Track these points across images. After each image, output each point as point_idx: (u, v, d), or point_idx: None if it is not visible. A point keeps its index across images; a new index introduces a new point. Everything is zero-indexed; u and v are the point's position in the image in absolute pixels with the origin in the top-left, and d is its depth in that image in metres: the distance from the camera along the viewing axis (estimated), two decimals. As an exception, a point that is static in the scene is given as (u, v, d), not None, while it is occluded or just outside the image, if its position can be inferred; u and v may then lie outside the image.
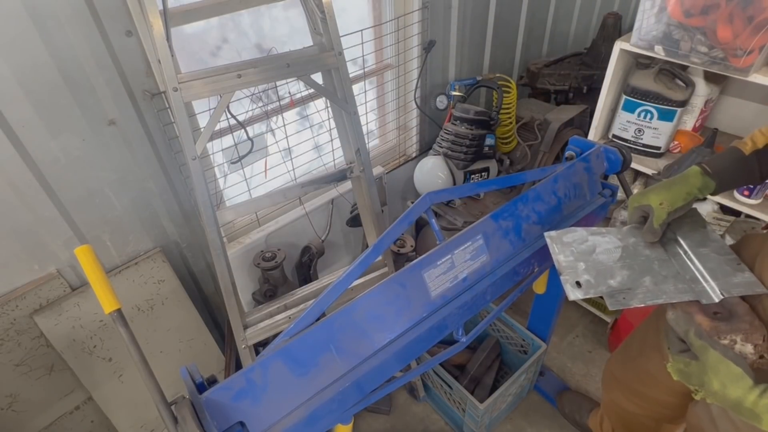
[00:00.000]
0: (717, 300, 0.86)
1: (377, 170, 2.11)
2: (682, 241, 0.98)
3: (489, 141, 2.03)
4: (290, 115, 1.72)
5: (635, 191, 2.00)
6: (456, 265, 0.99)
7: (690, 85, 1.67)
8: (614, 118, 1.86)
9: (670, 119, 1.71)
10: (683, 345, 0.83)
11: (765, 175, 1.00)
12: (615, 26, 2.37)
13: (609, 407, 1.55)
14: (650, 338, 1.26)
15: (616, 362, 1.45)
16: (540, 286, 1.54)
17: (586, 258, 0.95)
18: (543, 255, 1.16)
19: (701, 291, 0.89)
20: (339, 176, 1.44)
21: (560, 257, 0.96)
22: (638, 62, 1.73)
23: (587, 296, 0.90)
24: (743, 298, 0.87)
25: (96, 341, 1.49)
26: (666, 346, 0.87)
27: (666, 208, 0.95)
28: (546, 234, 1.00)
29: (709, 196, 1.60)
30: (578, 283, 0.91)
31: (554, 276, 1.54)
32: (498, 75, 2.19)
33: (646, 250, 0.97)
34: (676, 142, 1.82)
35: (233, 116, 1.46)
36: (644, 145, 1.81)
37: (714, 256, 0.94)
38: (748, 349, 0.77)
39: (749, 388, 0.71)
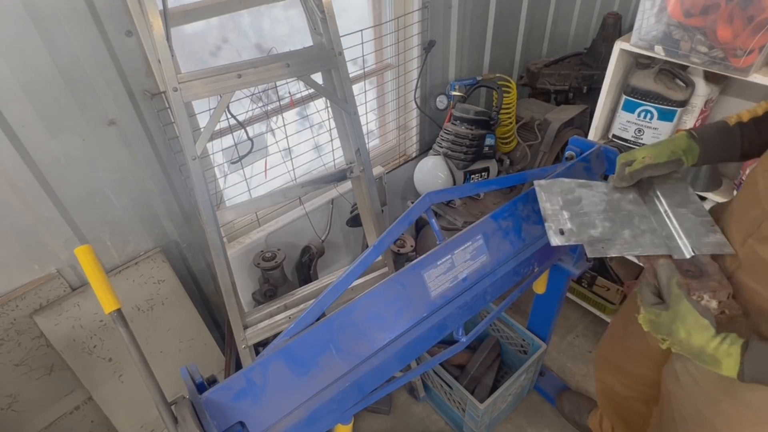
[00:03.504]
0: (688, 256, 0.92)
1: (377, 170, 2.11)
2: (663, 200, 1.02)
3: (489, 141, 2.03)
4: (290, 115, 1.72)
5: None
6: (456, 265, 0.99)
7: (690, 85, 1.67)
8: (614, 118, 1.86)
9: (670, 119, 1.71)
10: (655, 299, 0.88)
11: (745, 152, 1.03)
12: (615, 26, 2.37)
13: (601, 393, 1.58)
14: (633, 315, 1.29)
15: (604, 344, 1.50)
16: (540, 286, 1.54)
17: (571, 208, 1.00)
18: (543, 255, 1.17)
19: (675, 247, 0.94)
20: (339, 176, 1.44)
21: (547, 205, 1.00)
22: (638, 62, 1.73)
23: (568, 243, 0.95)
24: (713, 257, 0.93)
25: (96, 341, 1.49)
26: (639, 299, 0.92)
27: (648, 161, 1.00)
28: (536, 182, 1.04)
29: (709, 195, 1.63)
30: (561, 231, 0.96)
31: (554, 276, 1.54)
32: (498, 75, 2.19)
33: (629, 206, 1.02)
34: (676, 142, 1.82)
35: (233, 116, 1.47)
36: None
37: (691, 216, 0.98)
38: (713, 304, 0.83)
39: (712, 336, 0.79)
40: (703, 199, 1.72)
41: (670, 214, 0.99)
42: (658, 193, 1.03)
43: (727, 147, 1.04)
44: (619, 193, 1.04)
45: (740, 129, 1.02)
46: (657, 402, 1.36)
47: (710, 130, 1.05)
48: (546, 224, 0.97)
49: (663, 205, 1.02)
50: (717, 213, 1.05)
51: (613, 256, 0.91)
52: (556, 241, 0.95)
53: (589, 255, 0.94)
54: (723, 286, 0.86)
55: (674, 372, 1.05)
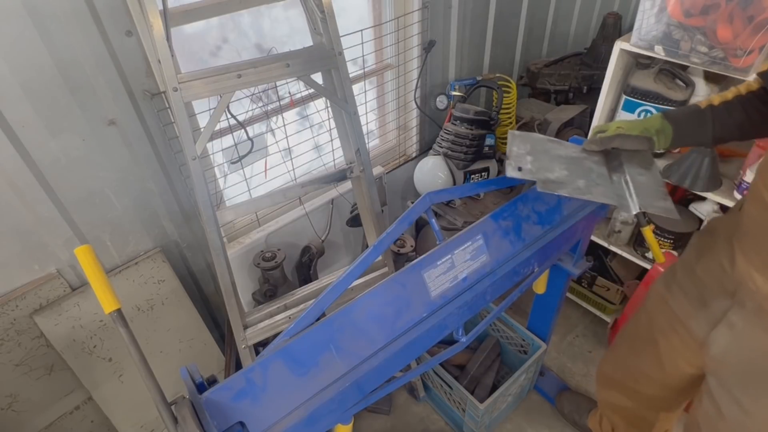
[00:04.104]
0: (635, 212, 0.99)
1: (377, 170, 2.11)
2: (626, 169, 1.06)
3: (489, 141, 2.03)
4: (290, 115, 1.72)
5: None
6: (456, 265, 0.99)
7: (690, 85, 1.67)
8: (614, 118, 1.86)
9: (670, 119, 1.71)
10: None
11: (717, 136, 1.06)
12: (615, 26, 2.37)
13: (606, 405, 1.56)
14: (641, 334, 1.27)
15: (607, 363, 1.47)
16: (540, 286, 1.54)
17: (536, 155, 1.04)
18: (543, 255, 1.17)
19: (624, 203, 1.00)
20: (339, 176, 1.44)
21: (514, 148, 1.04)
22: (638, 62, 1.73)
23: (523, 178, 0.99)
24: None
25: (96, 341, 1.49)
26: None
27: (619, 130, 1.04)
28: (510, 132, 1.09)
29: (709, 196, 1.63)
30: (519, 168, 1.00)
31: (554, 276, 1.54)
32: (498, 75, 2.19)
33: (591, 164, 1.06)
34: (676, 142, 1.82)
35: (233, 116, 1.46)
36: (644, 145, 1.81)
37: (648, 183, 1.03)
38: None
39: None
40: (703, 199, 1.72)
41: (628, 178, 1.04)
42: (623, 164, 1.07)
43: (700, 129, 1.07)
44: (586, 155, 1.08)
45: (711, 111, 1.05)
46: (666, 410, 1.35)
47: (683, 112, 1.09)
48: (507, 161, 1.01)
49: (624, 174, 1.06)
50: (719, 228, 1.03)
51: (562, 195, 0.97)
52: (512, 174, 0.99)
53: (539, 188, 0.97)
54: None
55: (716, 406, 1.03)
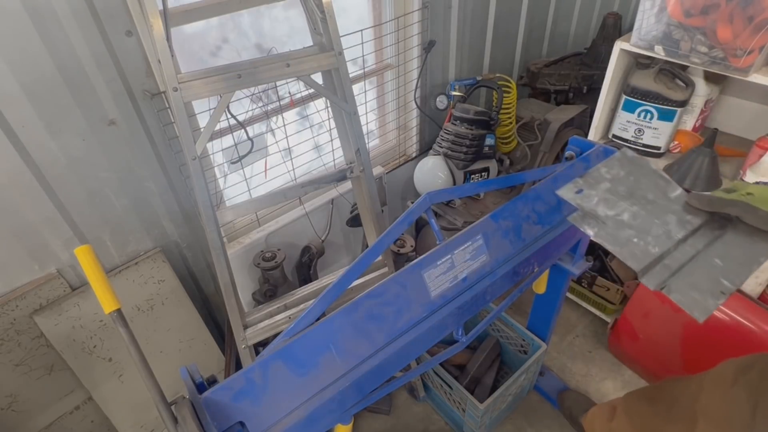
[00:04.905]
0: (651, 288, 0.77)
1: (377, 170, 2.11)
2: (716, 243, 0.82)
3: (489, 141, 2.03)
4: (290, 115, 1.72)
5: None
6: (456, 265, 0.99)
7: (690, 85, 1.67)
8: (614, 118, 1.86)
9: (670, 119, 1.71)
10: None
11: None
12: (615, 26, 2.37)
13: None
14: (683, 402, 1.12)
15: (636, 400, 1.34)
16: (540, 286, 1.54)
17: (617, 184, 0.87)
18: (543, 255, 1.17)
19: (653, 274, 0.78)
20: (339, 176, 1.44)
21: (602, 169, 0.89)
22: (638, 62, 1.73)
23: (570, 202, 0.85)
24: None
25: (96, 341, 1.49)
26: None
27: (748, 198, 0.81)
28: (623, 150, 0.94)
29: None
30: (579, 191, 0.85)
31: (554, 276, 1.54)
32: (498, 75, 2.19)
33: (674, 221, 0.84)
34: (676, 142, 1.82)
35: (233, 116, 1.46)
36: (644, 145, 1.81)
37: (715, 271, 0.78)
38: None
39: None
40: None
41: (700, 254, 0.80)
42: (725, 234, 0.83)
43: None
44: (686, 209, 0.86)
45: None
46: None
47: None
48: (577, 179, 0.87)
49: (706, 246, 0.81)
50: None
51: (591, 237, 0.81)
52: (562, 193, 0.86)
53: (568, 218, 0.84)
54: None
55: None
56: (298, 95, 1.67)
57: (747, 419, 0.90)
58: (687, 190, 0.90)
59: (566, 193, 0.85)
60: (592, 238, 0.81)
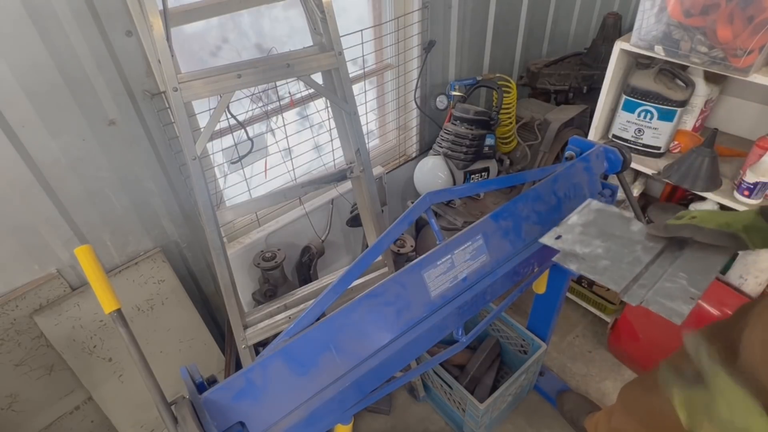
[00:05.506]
0: (634, 304, 0.86)
1: (377, 170, 2.11)
2: (677, 263, 0.94)
3: (489, 141, 2.03)
4: (290, 115, 1.72)
5: (635, 191, 2.00)
6: (456, 265, 0.99)
7: (690, 85, 1.67)
8: (614, 118, 1.86)
9: (670, 119, 1.71)
10: (683, 380, 0.81)
11: None
12: (615, 26, 2.37)
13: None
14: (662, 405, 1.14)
15: (631, 391, 1.38)
16: (540, 286, 1.54)
17: (588, 227, 1.02)
18: (543, 255, 1.16)
19: (633, 292, 0.88)
20: (339, 176, 1.44)
21: (574, 217, 1.05)
22: (638, 62, 1.73)
23: (553, 247, 0.98)
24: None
25: (96, 341, 1.49)
26: (667, 382, 0.84)
27: (693, 221, 0.91)
28: (590, 200, 1.09)
29: (709, 196, 1.62)
30: (558, 237, 1.00)
31: (554, 276, 1.54)
32: (498, 75, 2.19)
33: (640, 250, 0.96)
34: (676, 142, 1.82)
35: (233, 116, 1.46)
36: (644, 145, 1.81)
37: (683, 284, 0.89)
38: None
39: (759, 413, 0.68)
40: (703, 199, 1.72)
41: (668, 271, 0.91)
42: (683, 254, 0.95)
43: None
44: (648, 240, 0.98)
45: None
46: None
47: None
48: (555, 228, 1.02)
49: (668, 266, 0.93)
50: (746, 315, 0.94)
51: (574, 271, 0.93)
52: (545, 240, 0.99)
53: (553, 259, 0.95)
54: None
55: None
56: (298, 95, 1.67)
57: None
58: (647, 222, 1.03)
59: (548, 240, 0.99)
60: (575, 272, 0.93)
